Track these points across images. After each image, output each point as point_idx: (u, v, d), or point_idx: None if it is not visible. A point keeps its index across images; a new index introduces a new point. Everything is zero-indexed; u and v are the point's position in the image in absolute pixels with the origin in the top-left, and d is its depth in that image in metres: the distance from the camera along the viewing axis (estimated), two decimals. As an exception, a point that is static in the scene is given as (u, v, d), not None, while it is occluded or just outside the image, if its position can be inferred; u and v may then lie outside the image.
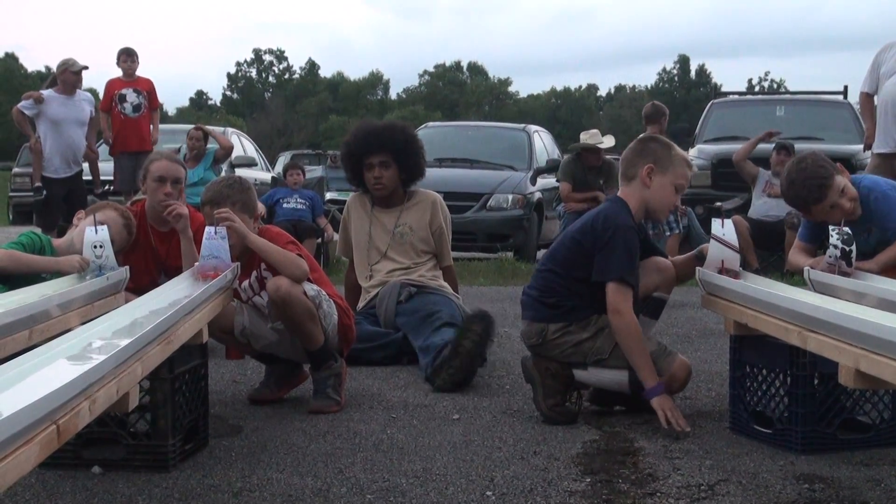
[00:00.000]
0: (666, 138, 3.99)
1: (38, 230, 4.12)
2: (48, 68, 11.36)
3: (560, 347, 3.80)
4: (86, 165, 9.65)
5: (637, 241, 3.79)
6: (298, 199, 9.59)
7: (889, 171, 7.02)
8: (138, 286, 4.07)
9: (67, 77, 9.13)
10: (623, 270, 3.68)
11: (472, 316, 4.45)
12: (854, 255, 3.78)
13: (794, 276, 4.16)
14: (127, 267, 4.01)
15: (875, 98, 7.42)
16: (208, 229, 3.82)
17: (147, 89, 9.96)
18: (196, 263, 3.86)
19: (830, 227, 3.82)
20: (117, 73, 10.10)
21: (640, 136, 4.16)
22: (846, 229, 3.81)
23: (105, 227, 3.88)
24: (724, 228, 3.82)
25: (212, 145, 9.91)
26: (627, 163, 3.90)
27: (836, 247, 3.76)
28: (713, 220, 3.89)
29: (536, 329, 3.84)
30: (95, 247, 3.82)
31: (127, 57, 10.04)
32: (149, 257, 4.52)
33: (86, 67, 9.33)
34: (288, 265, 3.88)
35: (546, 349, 3.82)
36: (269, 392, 4.13)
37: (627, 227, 3.75)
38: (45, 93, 9.20)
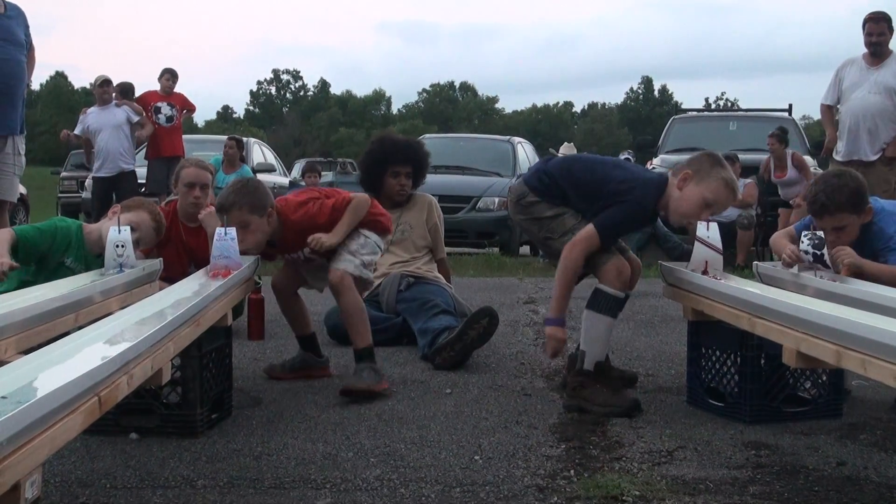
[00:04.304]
0: (723, 159, 3.60)
1: (73, 220, 3.96)
2: (92, 85, 11.45)
3: (527, 214, 3.70)
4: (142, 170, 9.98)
5: (640, 219, 3.65)
6: None
7: None
8: (171, 276, 4.05)
9: (95, 91, 9.76)
10: (608, 228, 3.49)
11: (482, 311, 4.42)
12: (826, 257, 3.52)
13: (743, 270, 4.15)
14: (161, 259, 4.00)
15: (835, 109, 7.28)
16: (218, 231, 3.66)
17: (180, 103, 10.10)
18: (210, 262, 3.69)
19: (803, 233, 3.58)
20: (156, 87, 10.20)
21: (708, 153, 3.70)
22: (819, 233, 3.54)
23: (128, 227, 3.72)
24: (708, 231, 3.55)
25: (247, 165, 10.16)
26: (682, 164, 3.64)
27: (806, 252, 3.53)
28: (699, 223, 3.54)
29: (521, 190, 3.73)
30: (118, 246, 3.66)
31: (170, 76, 10.21)
32: (181, 250, 4.51)
33: (107, 81, 9.68)
34: (358, 217, 3.85)
35: (518, 210, 3.74)
36: (282, 371, 4.08)
37: (641, 204, 3.53)
38: (89, 109, 9.75)
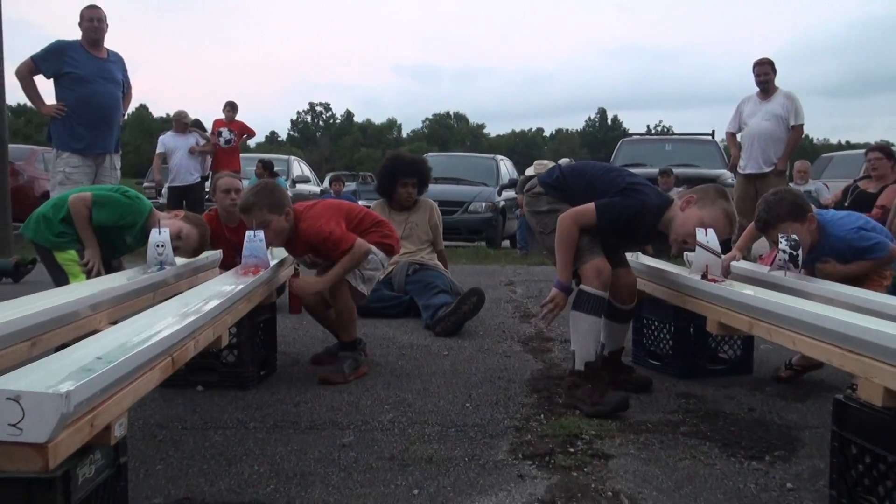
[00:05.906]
0: (728, 195, 3.05)
1: (147, 203, 3.55)
2: (168, 115, 11.67)
3: (530, 206, 3.22)
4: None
5: (638, 222, 2.99)
6: None
7: (752, 188, 6.93)
8: (225, 263, 4.04)
9: (177, 125, 9.76)
10: (608, 212, 2.94)
11: (472, 291, 4.43)
12: (801, 258, 3.11)
13: (677, 258, 4.06)
14: (221, 249, 3.98)
15: (738, 135, 7.37)
16: (248, 233, 3.24)
17: (238, 129, 10.14)
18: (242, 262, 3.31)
19: (780, 235, 3.13)
20: (221, 115, 10.27)
21: (716, 186, 3.09)
22: (794, 236, 3.12)
23: (167, 230, 3.33)
24: (707, 237, 2.94)
25: (281, 178, 10.09)
26: (690, 189, 3.11)
27: (784, 251, 3.10)
28: (697, 229, 2.92)
29: (533, 182, 3.26)
30: (158, 245, 3.30)
31: (230, 108, 10.26)
32: (227, 246, 4.47)
33: (185, 114, 9.78)
34: (353, 268, 3.38)
35: (526, 201, 3.28)
36: (327, 357, 3.60)
37: (644, 205, 2.96)
38: (169, 133, 9.82)
